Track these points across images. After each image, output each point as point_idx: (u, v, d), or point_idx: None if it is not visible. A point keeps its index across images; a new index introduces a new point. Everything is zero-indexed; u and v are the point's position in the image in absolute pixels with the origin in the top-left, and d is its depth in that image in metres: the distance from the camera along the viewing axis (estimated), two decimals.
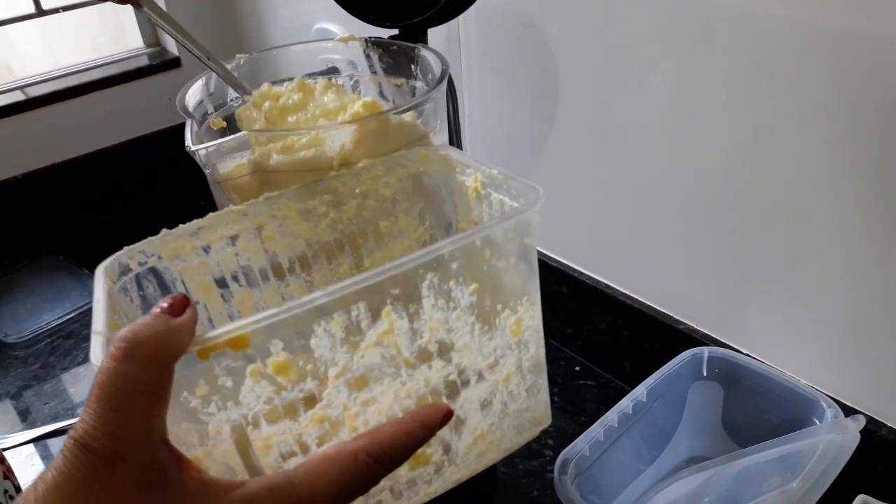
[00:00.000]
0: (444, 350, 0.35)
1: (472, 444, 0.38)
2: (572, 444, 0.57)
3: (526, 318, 0.38)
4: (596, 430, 0.58)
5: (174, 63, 1.32)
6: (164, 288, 0.39)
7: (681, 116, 0.63)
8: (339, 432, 0.33)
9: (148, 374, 0.26)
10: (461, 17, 0.61)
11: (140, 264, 0.38)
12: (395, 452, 0.30)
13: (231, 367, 0.29)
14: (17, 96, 1.24)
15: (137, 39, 1.38)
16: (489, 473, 0.72)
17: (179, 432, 0.29)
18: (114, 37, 1.39)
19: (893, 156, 0.50)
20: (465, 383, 0.37)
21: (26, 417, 0.85)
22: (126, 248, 0.38)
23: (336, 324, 0.31)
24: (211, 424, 0.30)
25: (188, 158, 0.46)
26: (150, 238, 0.39)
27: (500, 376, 0.38)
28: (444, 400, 0.36)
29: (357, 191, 0.44)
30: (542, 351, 0.40)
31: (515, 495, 0.71)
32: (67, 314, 1.03)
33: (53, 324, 1.02)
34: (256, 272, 0.43)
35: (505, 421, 0.40)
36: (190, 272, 0.40)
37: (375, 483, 0.30)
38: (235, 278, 0.42)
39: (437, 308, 0.34)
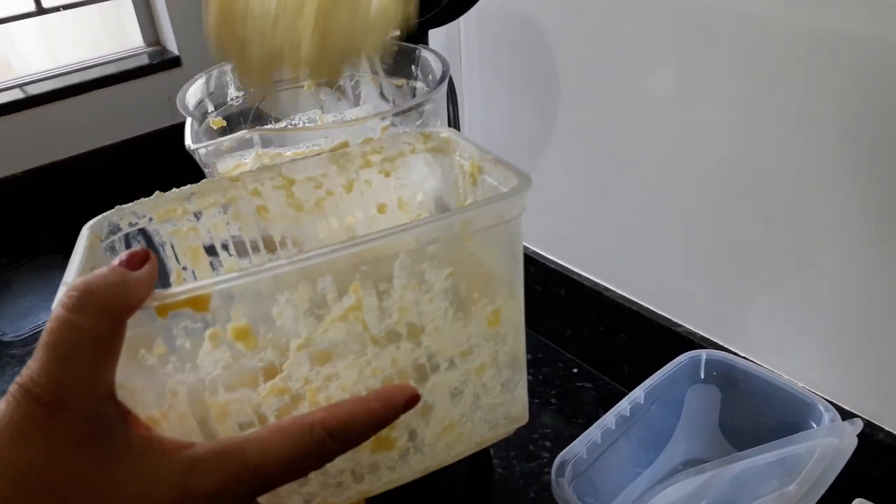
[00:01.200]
0: (414, 332, 0.34)
1: (441, 434, 0.37)
2: (569, 446, 0.57)
3: (505, 309, 0.37)
4: (593, 432, 0.58)
5: (174, 62, 1.32)
6: (153, 250, 0.39)
7: (681, 118, 0.63)
8: (300, 406, 0.32)
9: (98, 324, 0.25)
10: (461, 18, 0.61)
11: (130, 224, 0.38)
12: (354, 430, 0.29)
13: (190, 329, 0.29)
14: (17, 94, 1.24)
15: (138, 38, 1.38)
16: (486, 474, 0.72)
17: (136, 389, 0.29)
18: (114, 35, 1.39)
19: (893, 158, 0.51)
20: (435, 368, 0.36)
21: None
22: (118, 207, 0.38)
23: (300, 294, 0.30)
24: (168, 385, 0.29)
25: (188, 157, 0.46)
26: (142, 199, 0.38)
27: (472, 366, 0.37)
28: (412, 383, 0.35)
29: (354, 169, 0.43)
30: (522, 347, 0.39)
31: (512, 497, 0.71)
32: None
33: None
34: (247, 243, 0.42)
35: (477, 413, 0.39)
36: (179, 237, 0.40)
37: (330, 459, 0.29)
38: (226, 247, 0.42)
39: (409, 289, 0.33)
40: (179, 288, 0.28)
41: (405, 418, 0.33)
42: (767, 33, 0.54)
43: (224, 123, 0.54)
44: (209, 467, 0.26)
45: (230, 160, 0.47)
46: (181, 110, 0.49)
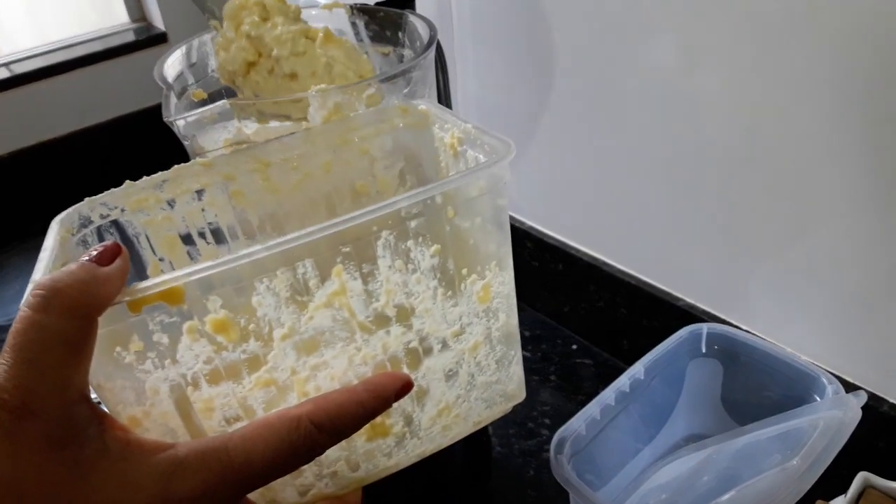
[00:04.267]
0: (404, 315, 0.33)
1: (437, 417, 0.37)
2: (568, 422, 0.56)
3: (495, 284, 0.35)
4: (592, 408, 0.57)
5: (160, 38, 1.30)
6: (127, 242, 0.37)
7: (680, 87, 0.61)
8: (288, 397, 0.31)
9: (66, 324, 0.24)
10: None
11: (102, 217, 0.36)
12: (343, 422, 0.28)
13: (166, 323, 0.28)
14: (3, 73, 1.22)
15: (123, 14, 1.35)
16: (484, 453, 0.71)
17: (114, 389, 0.28)
18: (100, 11, 1.36)
19: None
20: (428, 351, 0.35)
21: None
22: (87, 199, 0.36)
23: (280, 281, 0.29)
24: (147, 382, 0.28)
25: (177, 136, 0.44)
26: (112, 189, 0.37)
27: (466, 345, 0.36)
28: (405, 368, 0.34)
29: (332, 146, 0.42)
30: (515, 321, 0.38)
31: (512, 475, 0.70)
32: None
33: None
34: (225, 229, 0.41)
35: (472, 393, 0.38)
36: (154, 226, 0.38)
37: (319, 453, 0.28)
38: (202, 235, 0.40)
39: (395, 269, 0.32)
40: (151, 281, 0.26)
41: (400, 404, 0.32)
42: (767, 1, 0.52)
43: (205, 96, 0.52)
44: (191, 469, 0.25)
45: (211, 132, 0.45)
46: (159, 81, 0.47)
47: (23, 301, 0.25)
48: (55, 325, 0.24)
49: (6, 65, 1.24)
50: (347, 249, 0.30)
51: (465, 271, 0.34)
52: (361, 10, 0.55)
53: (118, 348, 0.27)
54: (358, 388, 0.30)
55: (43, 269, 0.30)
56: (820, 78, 0.52)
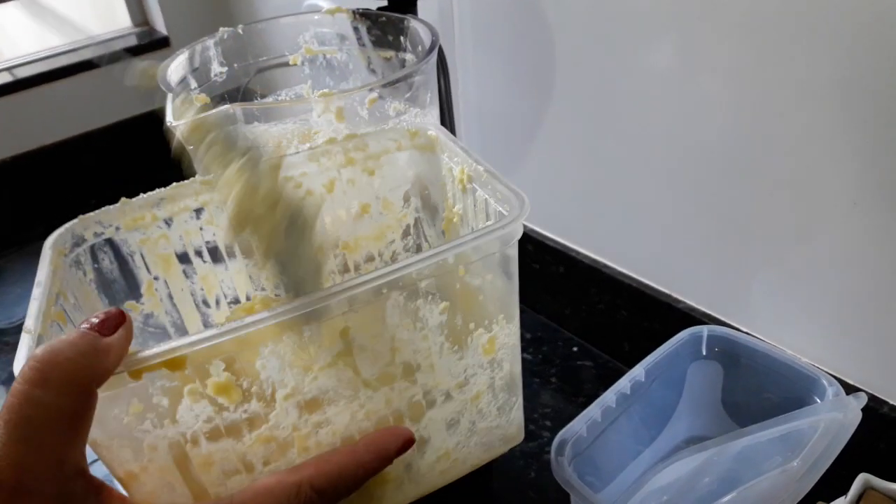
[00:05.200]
0: (409, 371, 0.32)
1: (435, 463, 0.36)
2: (569, 424, 0.56)
3: (501, 336, 0.35)
4: (593, 410, 0.57)
5: (163, 42, 1.30)
6: (122, 261, 0.37)
7: (680, 90, 0.61)
8: (288, 453, 0.31)
9: (63, 400, 0.23)
10: None
11: (96, 235, 0.36)
12: (343, 485, 0.28)
13: (167, 387, 0.27)
14: (6, 77, 1.22)
15: (126, 18, 1.35)
16: None
17: (111, 447, 0.27)
18: (102, 15, 1.36)
19: None
20: (431, 404, 0.34)
21: None
22: (80, 216, 0.35)
23: (285, 345, 0.28)
24: (146, 441, 0.28)
25: None
26: (107, 207, 0.36)
27: (468, 395, 0.35)
28: (407, 421, 0.33)
29: (336, 167, 0.41)
30: (518, 368, 0.37)
31: (513, 477, 0.70)
32: None
33: None
34: (222, 248, 0.40)
35: (472, 439, 0.37)
36: (150, 245, 0.38)
37: None
38: (199, 254, 0.40)
39: (403, 328, 0.31)
40: (154, 350, 0.26)
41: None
42: (768, 1, 0.52)
43: (207, 100, 0.52)
44: None
45: None
46: (162, 86, 0.47)
47: (18, 373, 0.24)
48: (53, 401, 0.23)
49: (8, 69, 1.24)
50: (356, 313, 0.29)
51: (471, 325, 0.34)
52: (364, 14, 0.55)
53: (116, 410, 0.27)
54: (359, 449, 0.29)
55: (36, 313, 0.29)
56: (821, 80, 0.52)
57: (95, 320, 0.25)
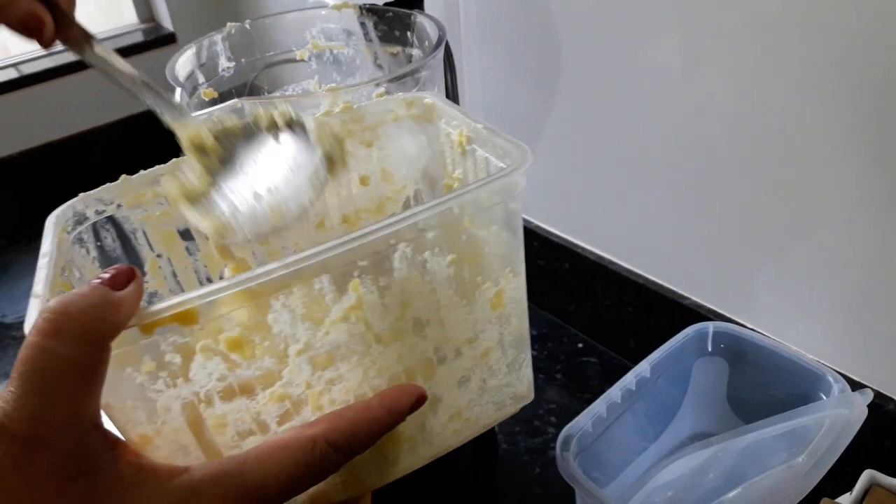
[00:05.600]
0: (419, 326, 0.32)
1: (448, 422, 0.36)
2: (574, 420, 0.56)
3: (508, 290, 0.35)
4: (599, 406, 0.57)
5: (169, 39, 1.30)
6: (124, 239, 0.36)
7: (685, 87, 0.61)
8: (302, 411, 0.31)
9: (77, 352, 0.23)
10: None
11: (98, 213, 0.35)
12: (357, 440, 0.28)
13: (179, 343, 0.27)
14: (12, 73, 1.22)
15: (132, 15, 1.36)
16: (491, 451, 0.72)
17: (125, 409, 0.27)
18: (108, 12, 1.36)
19: None
20: (442, 360, 0.34)
21: None
22: (82, 194, 0.35)
23: (296, 298, 0.28)
24: (159, 402, 0.28)
25: None
26: (108, 184, 0.36)
27: (478, 352, 0.35)
28: (419, 379, 0.33)
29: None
30: (526, 325, 0.37)
31: (518, 473, 0.70)
32: None
33: None
34: None
35: (484, 397, 0.37)
36: (152, 222, 0.37)
37: (334, 471, 0.28)
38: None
39: (411, 281, 0.31)
40: (165, 303, 0.26)
41: (413, 414, 0.31)
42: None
43: (215, 95, 0.52)
44: (207, 494, 0.25)
45: None
46: (171, 81, 0.48)
47: (32, 317, 0.24)
48: (66, 353, 0.23)
49: (14, 65, 1.25)
50: (365, 263, 0.29)
51: (479, 279, 0.34)
52: (370, 10, 0.55)
53: (129, 369, 0.27)
54: (373, 404, 0.29)
55: (44, 280, 0.29)
56: (824, 78, 0.52)
57: (106, 275, 0.25)
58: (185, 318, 0.26)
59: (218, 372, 0.28)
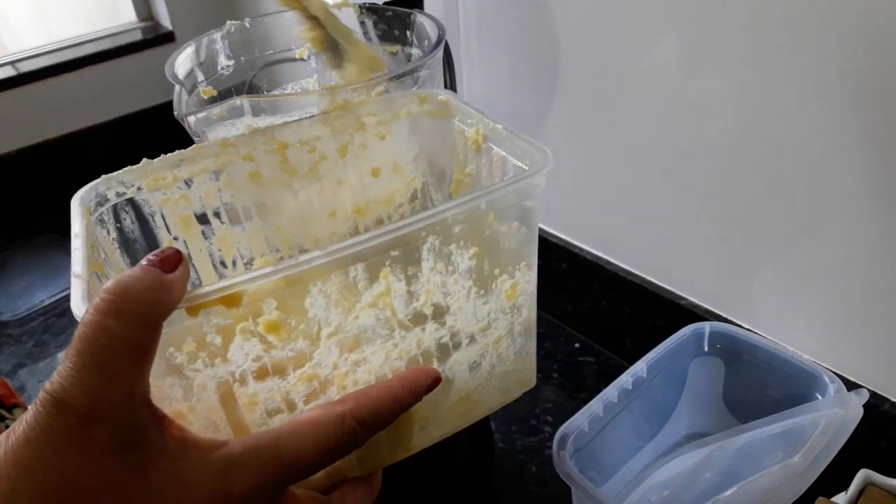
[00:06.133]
0: (439, 313, 0.34)
1: (457, 403, 0.38)
2: (571, 419, 0.56)
3: (522, 282, 0.37)
4: (595, 405, 0.57)
5: (168, 37, 1.30)
6: (143, 221, 0.38)
7: (684, 89, 0.62)
8: (328, 391, 0.32)
9: (134, 331, 0.24)
10: None
11: (118, 195, 0.37)
12: (381, 417, 0.30)
13: (220, 325, 0.28)
14: (10, 71, 1.22)
15: (131, 13, 1.36)
16: (488, 449, 0.72)
17: (163, 386, 0.28)
18: (107, 10, 1.36)
19: None
20: (457, 346, 0.36)
21: (21, 395, 0.85)
22: (104, 176, 0.36)
23: (332, 284, 0.30)
24: (196, 380, 0.29)
25: (184, 134, 0.45)
26: (129, 167, 0.37)
27: (490, 339, 0.38)
28: (435, 362, 0.36)
29: (349, 130, 0.42)
30: (534, 315, 0.39)
31: (514, 471, 0.70)
32: (62, 292, 1.03)
33: (48, 302, 1.01)
34: (240, 210, 0.41)
35: (491, 382, 0.39)
36: (170, 205, 0.39)
37: (359, 446, 0.29)
38: (217, 215, 0.41)
39: (436, 271, 0.33)
40: (211, 287, 0.27)
41: (426, 396, 0.33)
42: None
43: (214, 93, 0.52)
44: (246, 467, 0.26)
45: (221, 129, 0.45)
46: (170, 78, 0.48)
47: (79, 297, 0.25)
48: (124, 332, 0.24)
49: (13, 63, 1.24)
50: (396, 253, 0.31)
51: (497, 271, 0.36)
52: (370, 9, 0.55)
53: (171, 349, 0.28)
54: (394, 384, 0.31)
55: (81, 260, 0.30)
56: (823, 78, 0.52)
57: (155, 258, 0.26)
58: (230, 301, 0.28)
59: (254, 353, 0.30)
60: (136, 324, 0.24)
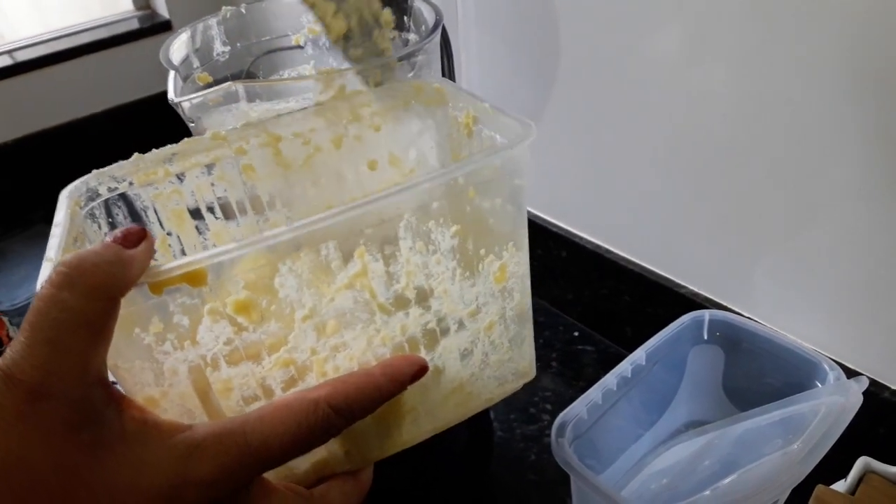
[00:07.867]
0: (423, 296, 0.33)
1: (450, 395, 0.37)
2: (570, 406, 0.56)
3: (511, 264, 0.36)
4: (594, 393, 0.57)
5: (165, 26, 1.29)
6: (135, 216, 0.37)
7: (685, 78, 0.61)
8: (307, 377, 0.31)
9: (89, 305, 0.23)
10: None
11: (110, 190, 0.36)
12: (359, 405, 0.29)
13: (187, 304, 0.27)
14: (6, 60, 1.21)
15: (128, 2, 1.35)
16: (486, 438, 0.72)
17: (133, 370, 0.28)
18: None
19: None
20: (445, 332, 0.35)
21: None
22: (95, 171, 0.36)
23: (303, 263, 0.29)
24: (166, 364, 0.28)
25: (181, 122, 0.44)
26: (120, 162, 0.36)
27: (481, 325, 0.36)
28: (422, 350, 0.34)
29: (344, 122, 0.42)
30: (528, 300, 0.38)
31: (513, 460, 0.70)
32: None
33: None
34: (234, 204, 0.40)
35: (486, 371, 0.38)
36: (162, 200, 0.38)
37: (335, 435, 0.28)
38: (211, 209, 0.40)
39: (416, 251, 0.32)
40: (174, 263, 0.26)
41: (415, 384, 0.32)
42: None
43: (210, 79, 0.52)
44: (209, 452, 0.25)
45: (216, 115, 0.45)
46: (164, 63, 0.47)
47: (44, 278, 0.24)
48: (78, 305, 0.23)
49: (9, 52, 1.24)
50: (370, 231, 0.30)
51: (482, 251, 0.34)
52: None
53: (137, 329, 0.27)
54: (375, 372, 0.30)
55: (56, 246, 0.29)
56: (825, 67, 0.51)
57: (119, 234, 0.26)
58: (194, 279, 0.27)
59: (225, 335, 0.29)
60: (91, 297, 0.24)
